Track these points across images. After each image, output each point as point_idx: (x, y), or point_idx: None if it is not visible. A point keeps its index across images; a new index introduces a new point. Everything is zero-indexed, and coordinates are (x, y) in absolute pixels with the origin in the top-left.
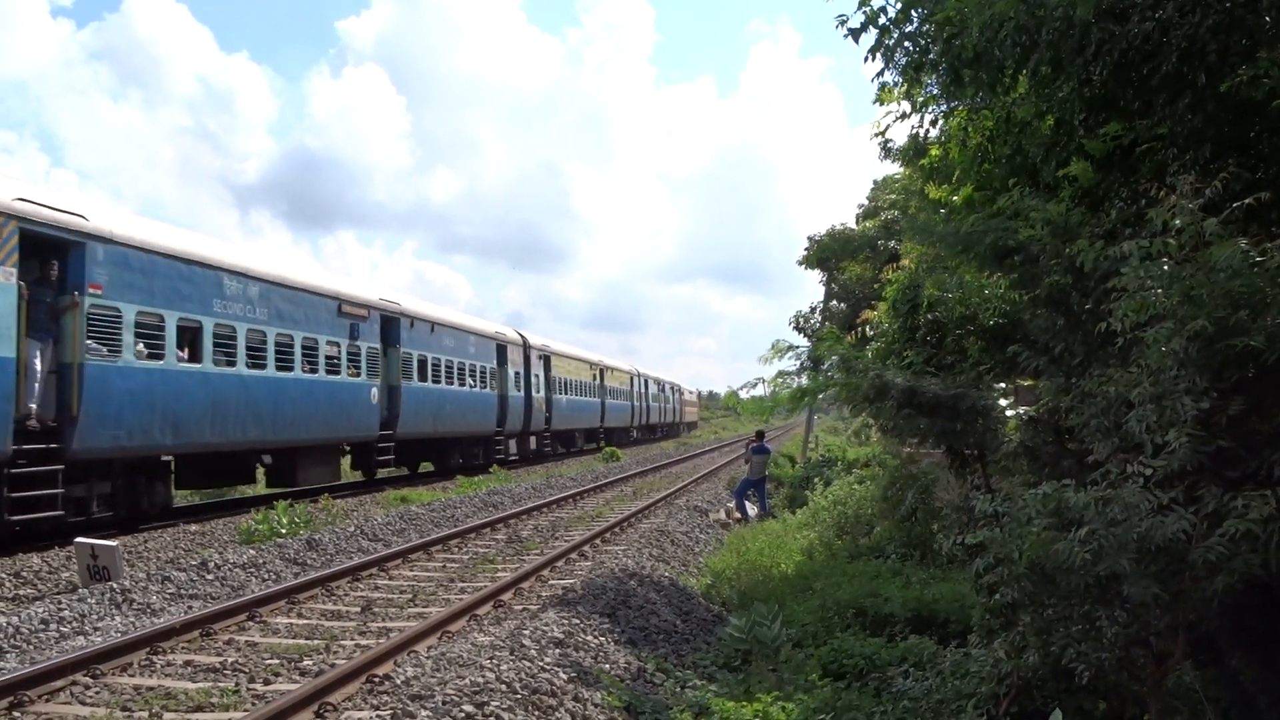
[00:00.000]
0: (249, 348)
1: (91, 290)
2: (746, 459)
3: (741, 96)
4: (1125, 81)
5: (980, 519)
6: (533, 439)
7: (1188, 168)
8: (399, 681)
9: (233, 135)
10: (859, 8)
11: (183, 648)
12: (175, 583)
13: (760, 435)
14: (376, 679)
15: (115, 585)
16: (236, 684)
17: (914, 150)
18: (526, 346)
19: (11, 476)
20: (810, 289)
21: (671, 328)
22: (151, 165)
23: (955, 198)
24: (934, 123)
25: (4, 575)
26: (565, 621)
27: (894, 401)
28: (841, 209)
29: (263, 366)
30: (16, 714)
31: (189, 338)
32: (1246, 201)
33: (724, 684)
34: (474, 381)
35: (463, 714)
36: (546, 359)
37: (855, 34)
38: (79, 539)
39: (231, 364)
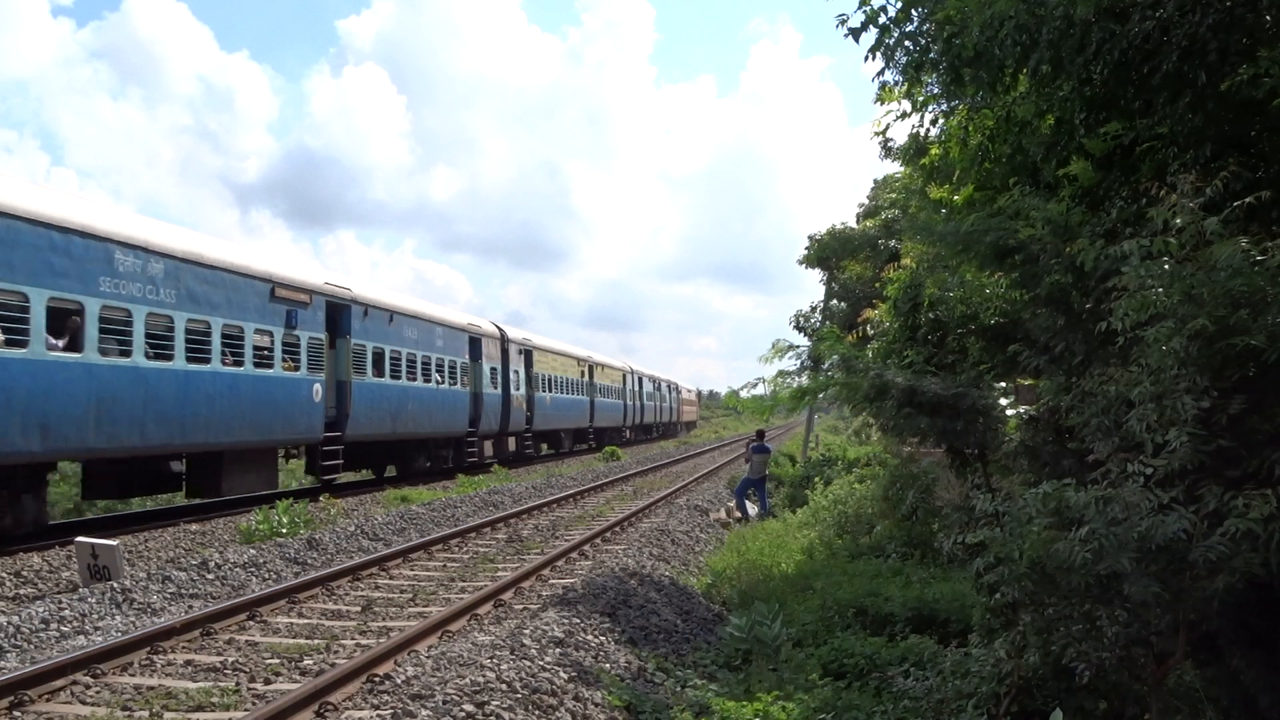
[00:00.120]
0: (151, 336)
1: None
2: (747, 458)
3: (742, 96)
4: (1126, 80)
5: (981, 518)
6: (511, 440)
7: (1188, 167)
8: (399, 681)
9: (233, 134)
10: (859, 7)
11: (183, 647)
12: (175, 582)
13: (760, 435)
14: (377, 678)
15: (116, 585)
16: (237, 683)
17: (914, 149)
18: (505, 340)
19: None
20: (811, 288)
21: (672, 327)
22: (151, 164)
23: (956, 198)
24: (934, 122)
25: (4, 574)
26: (566, 621)
27: (894, 401)
28: (842, 208)
29: (169, 358)
30: (17, 713)
31: (65, 322)
32: (1247, 200)
33: (724, 683)
34: (442, 377)
35: (463, 713)
36: (528, 354)
37: (855, 33)
38: (79, 538)
39: (126, 354)
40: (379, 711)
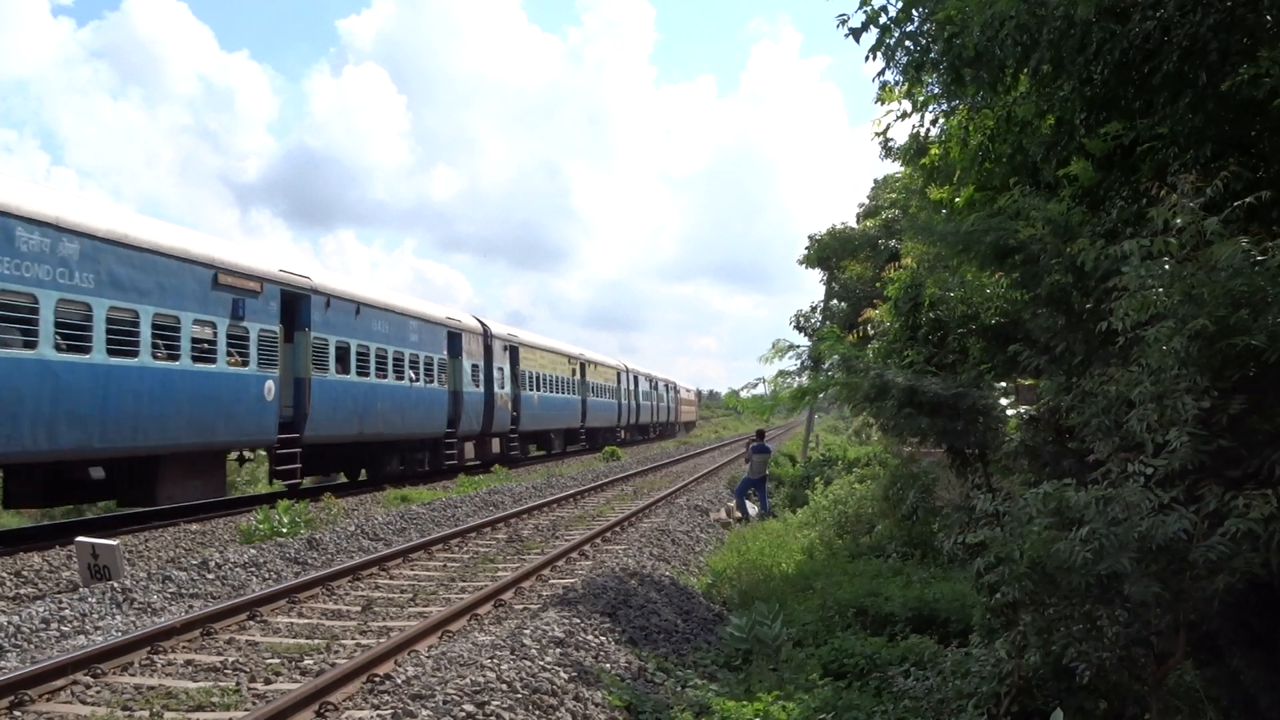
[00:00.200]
0: (62, 325)
1: None
2: (747, 458)
3: (742, 95)
4: (1126, 80)
5: (981, 518)
6: (495, 441)
7: (1189, 167)
8: (399, 681)
9: (233, 134)
10: (860, 7)
11: (183, 647)
12: (176, 582)
13: (761, 434)
14: (377, 678)
15: (116, 584)
16: (237, 683)
17: (915, 149)
18: (488, 335)
19: None
20: (811, 288)
21: (672, 327)
22: (151, 164)
23: (958, 200)
24: (935, 122)
25: (5, 574)
26: (566, 621)
27: (894, 401)
28: (842, 208)
29: (85, 350)
30: (17, 713)
31: None
32: (1247, 200)
33: (725, 683)
34: (417, 374)
35: (463, 713)
36: (513, 350)
37: (856, 33)
38: (80, 538)
39: (30, 345)
40: (379, 711)
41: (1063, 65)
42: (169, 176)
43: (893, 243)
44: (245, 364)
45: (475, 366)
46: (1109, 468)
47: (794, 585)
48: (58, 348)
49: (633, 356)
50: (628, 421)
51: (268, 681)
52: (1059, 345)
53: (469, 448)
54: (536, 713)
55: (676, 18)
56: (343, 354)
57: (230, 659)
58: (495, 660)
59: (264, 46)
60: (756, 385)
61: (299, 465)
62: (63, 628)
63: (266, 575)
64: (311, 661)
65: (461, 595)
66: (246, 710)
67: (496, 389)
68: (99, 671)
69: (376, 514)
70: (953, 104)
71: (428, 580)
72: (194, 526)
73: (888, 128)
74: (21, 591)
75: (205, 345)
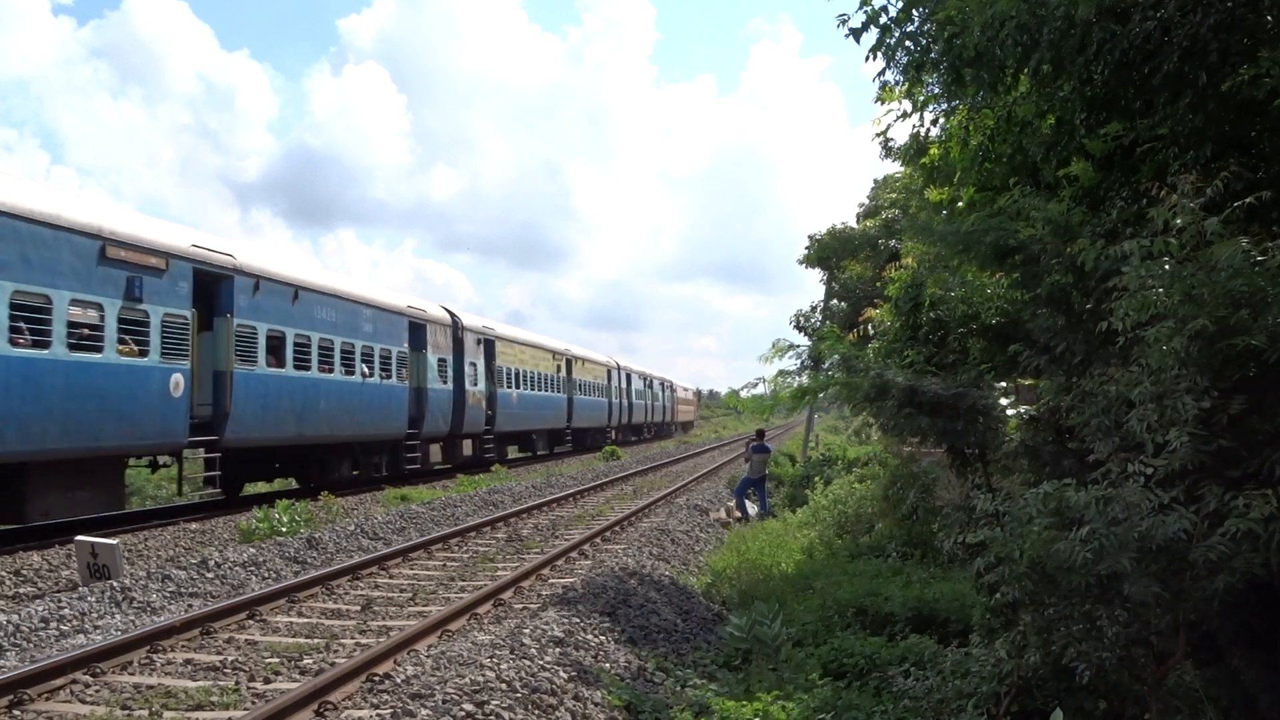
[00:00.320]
0: None
1: None
2: (746, 458)
3: (742, 95)
4: (1126, 81)
5: (981, 518)
6: (467, 443)
7: (1189, 167)
8: (399, 680)
9: (233, 133)
10: (860, 7)
11: (183, 646)
12: (175, 581)
13: (760, 434)
14: (376, 678)
15: (115, 583)
16: (236, 682)
17: (915, 149)
18: (459, 328)
19: None
20: (811, 288)
21: (672, 327)
22: (152, 163)
23: (960, 204)
24: (935, 122)
25: (4, 573)
26: (565, 620)
27: (895, 400)
28: (842, 208)
29: None
30: (17, 712)
31: None
32: (1247, 201)
33: (724, 683)
34: (371, 369)
35: (463, 713)
36: (488, 344)
37: (856, 33)
38: (79, 537)
39: None
40: (378, 711)
41: (1063, 65)
42: (169, 176)
43: (893, 243)
44: (144, 354)
45: (442, 361)
46: (1109, 468)
47: (794, 585)
48: None
49: (632, 356)
50: (619, 421)
51: (267, 681)
52: (1059, 345)
53: (435, 450)
54: (536, 712)
55: (676, 17)
56: (276, 344)
57: (230, 658)
58: (495, 660)
59: (264, 46)
60: (756, 385)
61: (218, 473)
62: (62, 627)
63: (266, 574)
64: (311, 661)
65: (461, 595)
66: (246, 709)
67: (468, 386)
68: (98, 670)
69: (376, 513)
70: (953, 104)
71: (427, 579)
72: (193, 526)
73: (888, 128)
74: (21, 590)
75: (88, 331)
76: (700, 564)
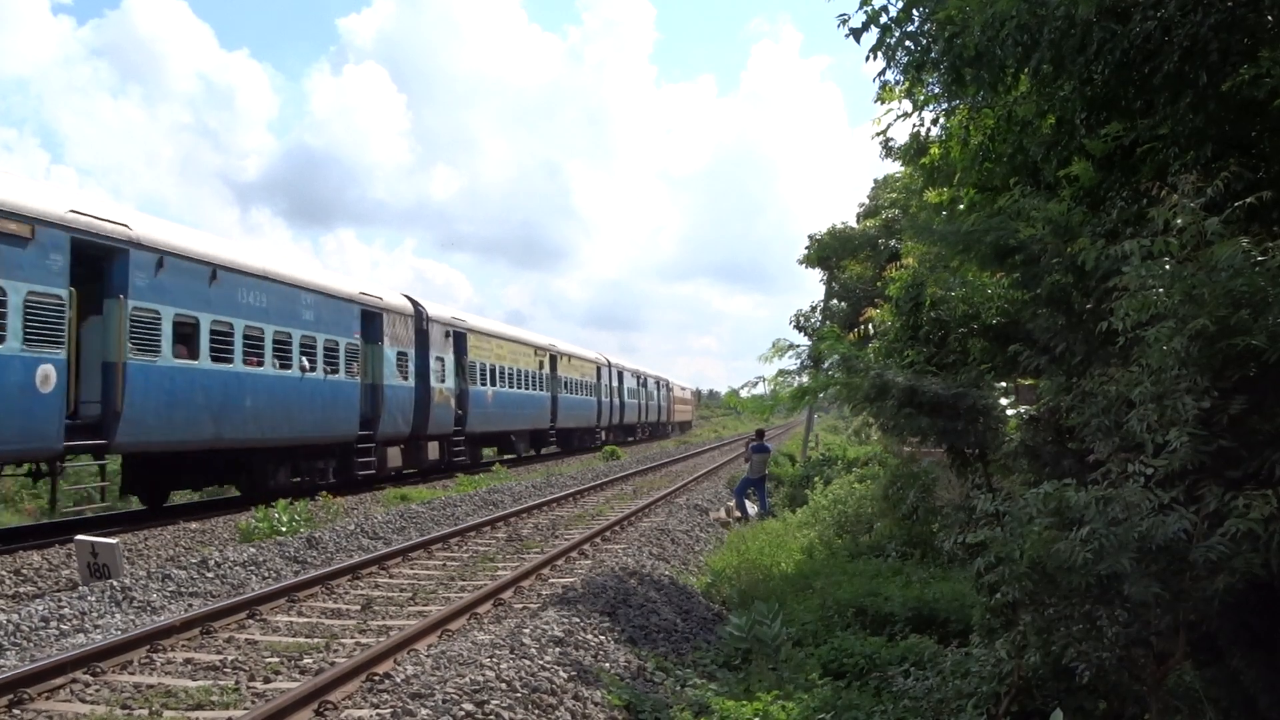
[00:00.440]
0: None
1: None
2: (746, 458)
3: (742, 95)
4: (1127, 81)
5: (981, 518)
6: (433, 445)
7: (1189, 167)
8: (399, 680)
9: (233, 133)
10: (860, 7)
11: (183, 645)
12: (175, 580)
13: (760, 434)
14: (376, 677)
15: (115, 583)
16: (236, 682)
17: (915, 149)
18: (423, 319)
19: None
20: (811, 288)
21: (672, 326)
22: (152, 163)
23: (960, 207)
24: (935, 121)
25: (4, 572)
26: (565, 620)
27: (895, 400)
28: (842, 208)
29: None
30: (16, 711)
31: None
32: (1248, 201)
33: (724, 683)
34: (313, 362)
35: (462, 712)
36: (459, 337)
37: (857, 33)
38: (79, 536)
39: None
40: (378, 710)
41: (1063, 65)
42: (169, 175)
43: (893, 243)
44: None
45: (403, 355)
46: (1109, 468)
47: (793, 585)
48: None
49: (632, 356)
50: (609, 421)
51: (267, 680)
52: (1059, 345)
53: (393, 454)
54: (536, 712)
55: (676, 17)
56: (187, 332)
57: (230, 657)
58: (495, 659)
59: (264, 45)
60: (756, 384)
61: (105, 484)
62: (62, 626)
63: (266, 574)
64: (311, 660)
65: (461, 594)
66: (246, 709)
67: (434, 383)
68: (98, 670)
69: (376, 513)
70: (953, 104)
71: (427, 579)
72: (193, 525)
73: (888, 127)
74: (21, 590)
75: None
76: (700, 564)
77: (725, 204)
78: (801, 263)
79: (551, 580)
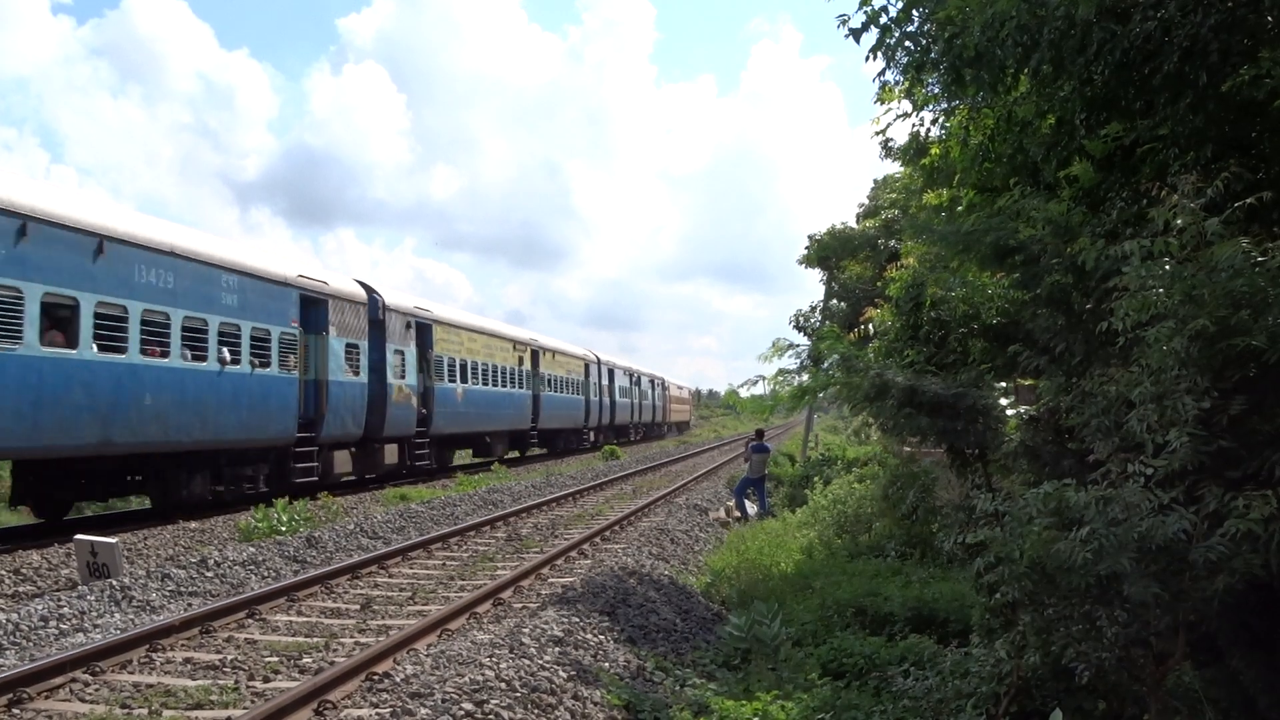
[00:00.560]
0: None
1: None
2: (746, 458)
3: (742, 95)
4: (1127, 81)
5: (981, 518)
6: (390, 448)
7: (1189, 167)
8: (398, 679)
9: (233, 132)
10: (860, 7)
11: (182, 645)
12: (175, 580)
13: (760, 434)
14: (376, 677)
15: (115, 582)
16: (236, 681)
17: (915, 149)
18: (379, 307)
19: None
20: (811, 288)
21: (672, 326)
22: (151, 162)
23: (960, 209)
24: (935, 121)
25: (4, 572)
26: (565, 620)
27: (894, 400)
28: (842, 208)
29: None
30: (16, 711)
31: None
32: (1248, 201)
33: (723, 682)
34: (238, 354)
35: (462, 712)
36: (422, 328)
37: (856, 34)
38: (79, 536)
39: None
40: (378, 710)
41: (1063, 66)
42: (169, 175)
43: (893, 243)
44: None
45: (352, 347)
46: (1109, 468)
47: (793, 585)
48: None
49: (632, 355)
50: (598, 422)
51: (266, 680)
52: (1059, 345)
53: (341, 458)
54: (535, 711)
55: (676, 17)
56: (62, 315)
57: (229, 657)
58: (494, 659)
59: (264, 45)
60: (756, 383)
61: None
62: (61, 625)
63: (265, 573)
64: (310, 660)
65: (461, 594)
66: (245, 708)
67: (392, 379)
68: (98, 669)
69: (376, 512)
70: (953, 104)
71: (427, 579)
72: (193, 524)
73: (888, 127)
74: (20, 589)
75: None
76: (699, 564)
77: (725, 204)
78: (801, 263)
79: (551, 580)
